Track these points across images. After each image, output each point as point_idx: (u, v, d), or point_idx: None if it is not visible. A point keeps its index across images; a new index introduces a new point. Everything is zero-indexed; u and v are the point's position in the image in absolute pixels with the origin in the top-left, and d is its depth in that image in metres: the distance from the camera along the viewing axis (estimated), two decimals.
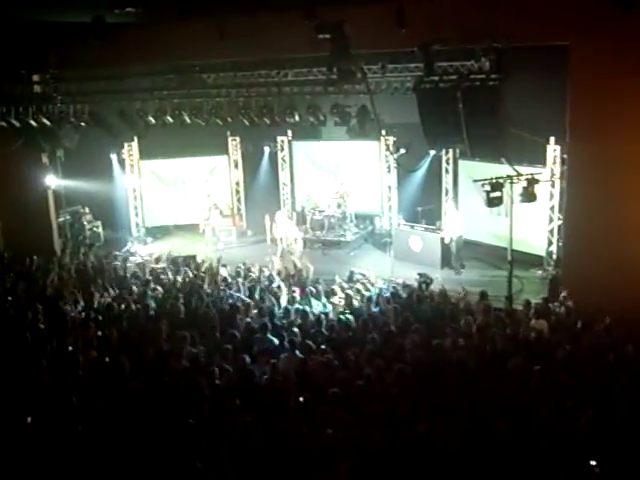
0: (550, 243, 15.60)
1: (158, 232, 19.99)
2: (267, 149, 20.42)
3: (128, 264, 15.49)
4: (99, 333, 10.61)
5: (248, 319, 11.04)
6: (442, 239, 16.14)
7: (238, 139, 19.98)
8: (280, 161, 20.04)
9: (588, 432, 6.79)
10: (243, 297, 12.31)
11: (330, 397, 7.72)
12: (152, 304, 11.89)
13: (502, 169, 12.92)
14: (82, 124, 14.99)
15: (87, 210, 19.32)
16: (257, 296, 12.32)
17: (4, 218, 17.01)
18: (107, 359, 9.57)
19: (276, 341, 9.92)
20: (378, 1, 11.49)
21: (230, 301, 12.12)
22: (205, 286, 12.97)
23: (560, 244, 14.85)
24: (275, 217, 17.45)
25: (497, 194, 12.26)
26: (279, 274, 14.02)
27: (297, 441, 6.82)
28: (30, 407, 7.97)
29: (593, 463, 6.46)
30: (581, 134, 12.00)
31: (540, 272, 15.40)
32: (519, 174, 12.42)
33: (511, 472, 6.40)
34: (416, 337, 9.88)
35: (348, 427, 7.17)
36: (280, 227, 17.17)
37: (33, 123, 14.71)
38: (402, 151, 17.58)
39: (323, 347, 9.67)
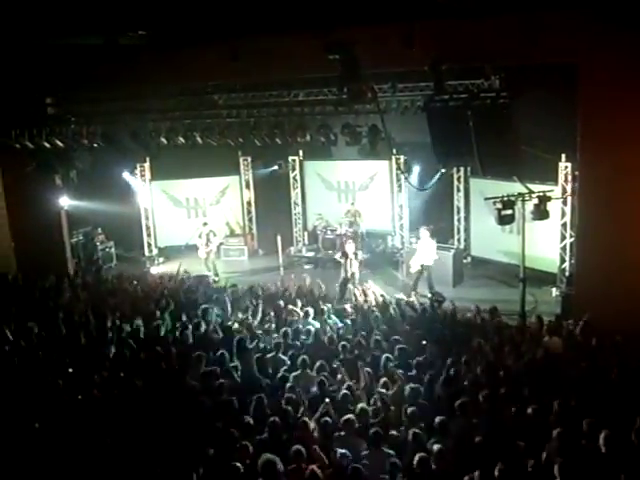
0: (563, 260, 15.53)
1: (170, 252, 20.04)
2: (278, 169, 20.51)
3: (141, 284, 15.53)
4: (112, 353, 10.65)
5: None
6: (454, 255, 16.12)
7: (249, 159, 20.10)
8: (291, 180, 20.10)
9: (605, 452, 6.72)
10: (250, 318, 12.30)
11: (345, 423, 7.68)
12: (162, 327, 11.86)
13: (514, 187, 12.93)
14: (95, 145, 15.10)
15: (100, 230, 19.43)
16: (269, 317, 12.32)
17: (18, 239, 17.10)
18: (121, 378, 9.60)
19: (288, 360, 9.89)
20: (388, 21, 11.56)
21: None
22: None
23: (573, 261, 14.78)
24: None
25: (509, 212, 12.25)
26: (292, 292, 14.03)
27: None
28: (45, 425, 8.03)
29: None
30: (592, 151, 11.97)
31: (554, 290, 15.30)
32: (531, 192, 12.41)
33: None
34: (429, 355, 9.86)
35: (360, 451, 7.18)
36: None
37: (46, 145, 14.85)
38: (414, 170, 17.66)
39: (335, 365, 9.64)
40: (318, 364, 9.56)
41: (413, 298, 14.11)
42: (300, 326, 11.58)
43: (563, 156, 14.83)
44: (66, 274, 16.37)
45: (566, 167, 14.88)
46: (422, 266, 15.53)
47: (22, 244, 17.04)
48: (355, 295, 14.02)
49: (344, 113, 13.88)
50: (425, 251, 15.61)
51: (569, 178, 14.88)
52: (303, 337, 11.08)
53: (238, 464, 6.60)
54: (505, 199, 12.22)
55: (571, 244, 15.05)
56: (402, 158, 17.72)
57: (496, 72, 12.14)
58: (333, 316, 12.28)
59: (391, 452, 7.08)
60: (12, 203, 16.79)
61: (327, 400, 8.28)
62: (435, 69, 11.76)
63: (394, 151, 16.77)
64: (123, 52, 12.18)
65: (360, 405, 8.10)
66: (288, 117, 14.33)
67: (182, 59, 13.54)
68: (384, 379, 9.02)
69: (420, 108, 12.95)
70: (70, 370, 9.86)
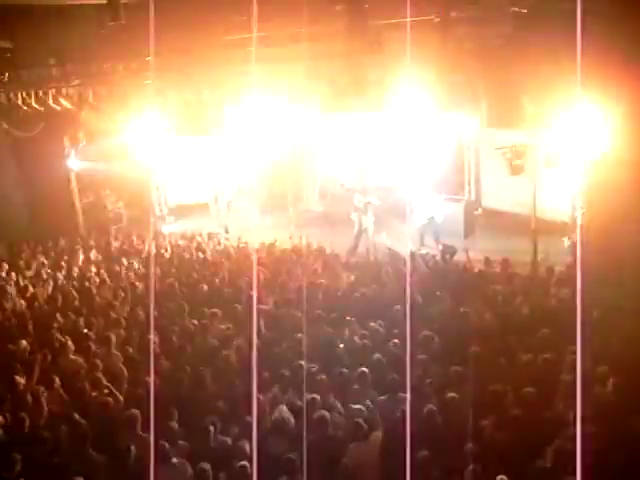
0: (574, 209, 15.37)
1: (181, 211, 20.01)
2: None
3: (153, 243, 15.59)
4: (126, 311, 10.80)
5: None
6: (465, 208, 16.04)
7: None
8: None
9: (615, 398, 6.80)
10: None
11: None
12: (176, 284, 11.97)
13: (523, 136, 12.79)
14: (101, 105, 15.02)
15: (109, 192, 19.39)
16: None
17: (29, 201, 17.14)
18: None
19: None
20: None
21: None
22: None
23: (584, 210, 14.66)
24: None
25: (519, 162, 12.18)
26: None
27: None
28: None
29: None
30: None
31: (565, 239, 15.20)
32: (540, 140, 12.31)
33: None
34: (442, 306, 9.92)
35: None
36: None
37: (54, 106, 14.77)
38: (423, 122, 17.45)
39: (348, 318, 9.70)
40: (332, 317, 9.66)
41: (425, 251, 14.09)
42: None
43: None
44: (78, 236, 16.49)
45: None
46: (428, 219, 15.47)
47: (34, 207, 17.08)
48: (368, 249, 14.06)
49: (352, 65, 13.72)
50: (427, 204, 15.49)
51: None
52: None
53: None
54: (515, 149, 12.13)
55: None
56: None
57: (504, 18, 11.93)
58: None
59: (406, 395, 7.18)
60: (23, 166, 16.80)
61: (341, 345, 8.38)
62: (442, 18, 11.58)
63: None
64: (127, 10, 12.01)
65: (375, 355, 8.19)
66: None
67: (190, 15, 13.33)
68: (396, 331, 9.10)
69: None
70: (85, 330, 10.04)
